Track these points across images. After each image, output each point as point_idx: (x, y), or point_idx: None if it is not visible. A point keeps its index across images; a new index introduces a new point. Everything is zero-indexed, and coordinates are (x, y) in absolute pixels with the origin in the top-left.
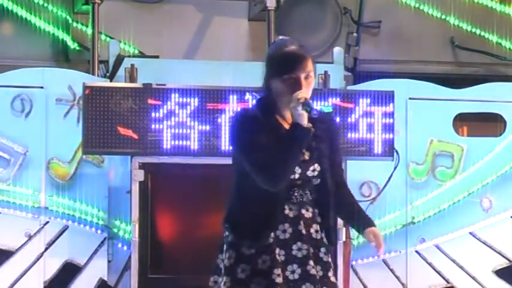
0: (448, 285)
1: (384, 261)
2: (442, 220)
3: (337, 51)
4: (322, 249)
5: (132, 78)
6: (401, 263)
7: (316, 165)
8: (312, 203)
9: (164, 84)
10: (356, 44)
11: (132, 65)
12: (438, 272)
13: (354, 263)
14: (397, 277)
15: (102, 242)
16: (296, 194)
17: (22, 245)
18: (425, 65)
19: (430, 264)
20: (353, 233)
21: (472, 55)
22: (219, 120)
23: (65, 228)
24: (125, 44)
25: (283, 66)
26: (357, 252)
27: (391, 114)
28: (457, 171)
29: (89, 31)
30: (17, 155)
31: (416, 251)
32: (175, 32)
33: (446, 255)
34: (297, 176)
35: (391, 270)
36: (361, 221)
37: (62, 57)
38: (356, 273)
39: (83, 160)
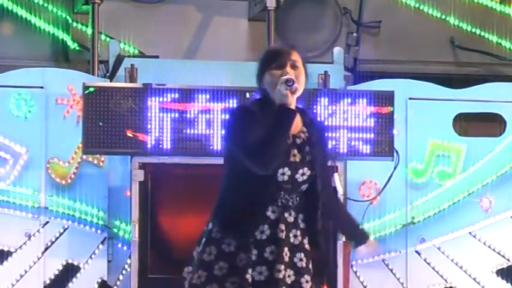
0: (448, 285)
1: (384, 261)
2: (442, 220)
3: (337, 51)
4: (298, 255)
5: (132, 78)
6: (401, 263)
7: (305, 169)
8: (296, 208)
9: (164, 84)
10: (356, 44)
11: (132, 65)
12: (438, 272)
13: (353, 263)
14: (397, 277)
15: (102, 242)
16: (282, 197)
17: (22, 245)
18: (425, 65)
19: (429, 264)
20: None
21: (472, 55)
22: (220, 120)
23: (65, 228)
24: (124, 44)
25: (270, 59)
26: (357, 252)
27: (391, 114)
28: (457, 171)
29: (89, 31)
30: (17, 155)
31: (416, 251)
32: (175, 32)
33: (446, 256)
34: (286, 177)
35: (391, 270)
36: (358, 233)
37: (62, 57)
38: (356, 273)
39: (83, 160)
